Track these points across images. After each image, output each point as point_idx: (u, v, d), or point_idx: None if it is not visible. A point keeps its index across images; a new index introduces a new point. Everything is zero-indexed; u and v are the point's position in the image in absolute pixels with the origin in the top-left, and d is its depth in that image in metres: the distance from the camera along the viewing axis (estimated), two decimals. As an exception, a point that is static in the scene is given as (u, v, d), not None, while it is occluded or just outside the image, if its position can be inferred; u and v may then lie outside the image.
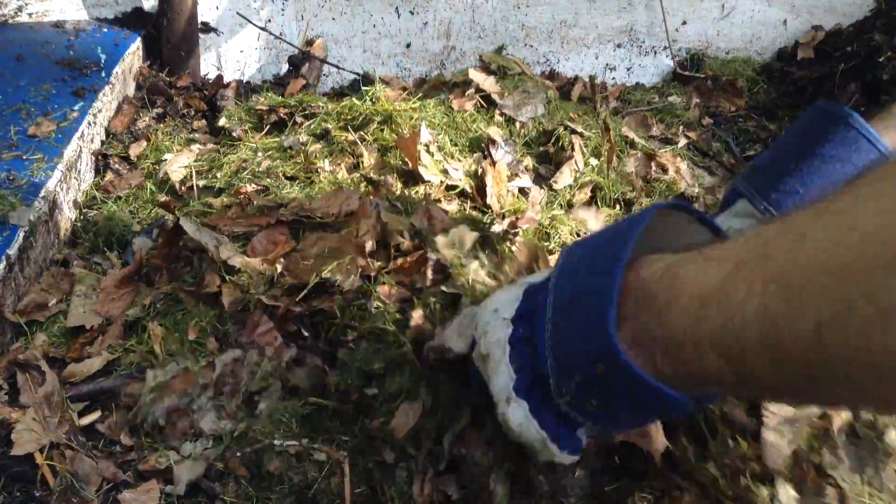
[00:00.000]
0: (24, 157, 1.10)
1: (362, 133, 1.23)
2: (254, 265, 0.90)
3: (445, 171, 1.24)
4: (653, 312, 0.51)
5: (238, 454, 0.76)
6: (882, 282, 0.37)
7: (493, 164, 1.21)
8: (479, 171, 1.18)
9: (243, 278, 0.90)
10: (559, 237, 1.11)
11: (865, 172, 0.43)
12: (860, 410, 0.75)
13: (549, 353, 0.57)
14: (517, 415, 0.59)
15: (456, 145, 1.28)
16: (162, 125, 1.38)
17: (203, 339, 0.88)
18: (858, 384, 0.40)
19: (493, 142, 1.28)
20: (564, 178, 1.29)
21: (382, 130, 1.24)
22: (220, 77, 1.60)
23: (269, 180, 1.14)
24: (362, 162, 1.19)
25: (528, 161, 1.32)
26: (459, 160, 1.25)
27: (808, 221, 0.43)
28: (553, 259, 0.91)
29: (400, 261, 0.90)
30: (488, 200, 1.13)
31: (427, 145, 1.22)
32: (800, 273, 0.42)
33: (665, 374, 0.50)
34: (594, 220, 1.19)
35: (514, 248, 0.94)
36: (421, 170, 1.15)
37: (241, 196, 1.11)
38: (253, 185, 1.13)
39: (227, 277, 0.90)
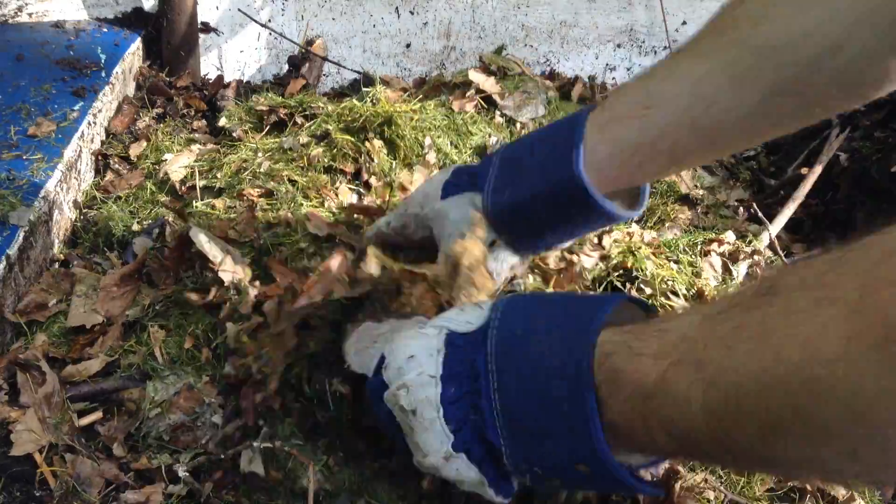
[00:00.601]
0: (24, 157, 1.10)
1: (364, 141, 1.23)
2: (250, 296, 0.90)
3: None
4: (600, 401, 0.52)
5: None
6: (811, 408, 0.39)
7: None
8: None
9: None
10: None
11: (773, 278, 0.45)
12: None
13: (501, 430, 0.56)
14: (454, 466, 0.58)
15: (456, 147, 1.28)
16: (162, 125, 1.38)
17: (199, 346, 0.88)
18: (813, 472, 0.45)
19: (491, 149, 1.28)
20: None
21: (383, 132, 1.24)
22: (220, 77, 1.60)
23: (272, 184, 1.14)
24: (364, 166, 1.19)
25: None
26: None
27: (733, 334, 0.45)
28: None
29: None
30: None
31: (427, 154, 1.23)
32: (733, 385, 0.44)
33: (616, 449, 0.52)
34: None
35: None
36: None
37: (244, 199, 1.11)
38: (257, 189, 1.13)
39: (229, 297, 0.90)
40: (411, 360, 0.59)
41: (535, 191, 0.75)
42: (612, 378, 0.51)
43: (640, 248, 1.04)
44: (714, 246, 1.13)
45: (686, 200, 1.34)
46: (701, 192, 1.37)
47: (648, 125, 0.71)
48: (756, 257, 1.15)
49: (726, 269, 1.12)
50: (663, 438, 0.49)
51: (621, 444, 0.53)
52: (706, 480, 0.81)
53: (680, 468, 0.79)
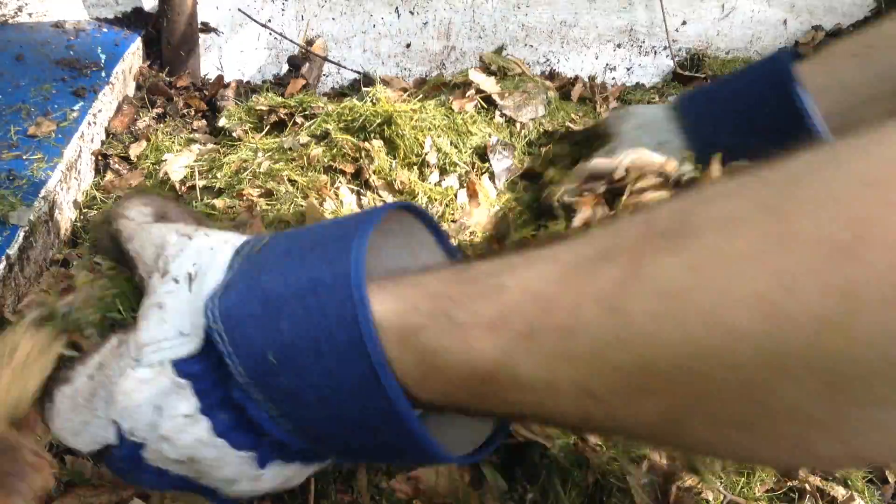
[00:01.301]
0: (24, 157, 1.10)
1: (365, 142, 1.23)
2: None
3: (444, 170, 1.24)
4: (407, 387, 0.38)
5: None
6: (768, 388, 0.29)
7: (482, 175, 1.23)
8: (466, 185, 1.20)
9: None
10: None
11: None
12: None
13: (273, 411, 0.41)
14: (267, 479, 0.45)
15: (456, 147, 1.28)
16: (162, 125, 1.38)
17: None
18: (720, 454, 0.36)
19: (491, 149, 1.28)
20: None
21: (383, 132, 1.24)
22: (220, 77, 1.60)
23: (272, 184, 1.14)
24: (364, 166, 1.19)
25: (529, 163, 1.32)
26: (456, 164, 1.25)
27: (620, 292, 0.32)
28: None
29: None
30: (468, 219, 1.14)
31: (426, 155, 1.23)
32: (630, 363, 0.31)
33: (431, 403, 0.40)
34: None
35: None
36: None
37: (244, 199, 1.11)
38: (257, 189, 1.13)
39: None
40: (157, 411, 0.43)
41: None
42: (426, 361, 0.37)
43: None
44: None
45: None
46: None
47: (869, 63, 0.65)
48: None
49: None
50: (516, 418, 0.39)
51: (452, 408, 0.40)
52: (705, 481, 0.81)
53: (676, 469, 0.79)
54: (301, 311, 0.38)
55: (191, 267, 0.45)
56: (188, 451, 0.43)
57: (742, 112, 0.66)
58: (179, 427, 0.43)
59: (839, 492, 0.84)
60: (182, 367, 0.42)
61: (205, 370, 0.42)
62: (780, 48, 0.70)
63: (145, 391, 0.43)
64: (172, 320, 0.43)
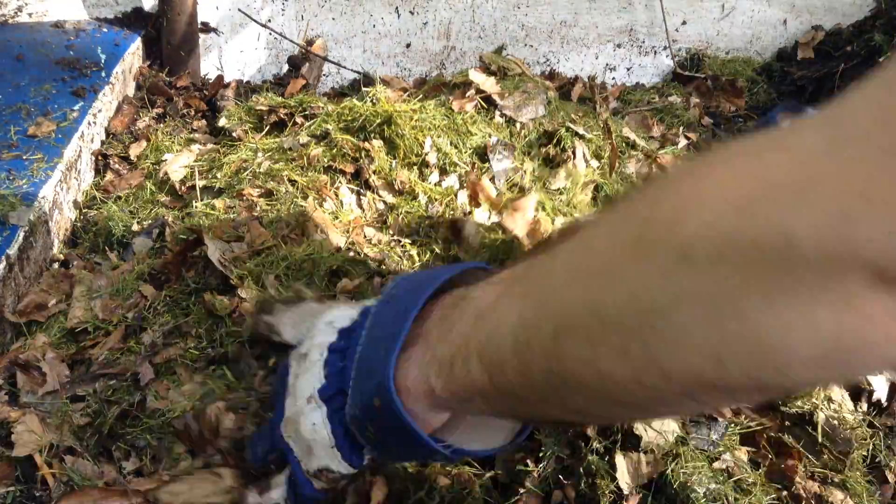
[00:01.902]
0: (24, 157, 1.10)
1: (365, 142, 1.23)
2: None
3: (444, 171, 1.24)
4: (441, 332, 0.54)
5: None
6: (607, 296, 0.42)
7: (483, 174, 1.23)
8: (466, 185, 1.20)
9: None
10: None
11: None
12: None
13: (352, 372, 0.59)
14: (314, 415, 0.61)
15: (456, 147, 1.28)
16: (162, 125, 1.38)
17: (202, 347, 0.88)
18: (589, 394, 0.45)
19: (491, 149, 1.28)
20: (559, 180, 1.30)
21: (383, 132, 1.24)
22: (220, 77, 1.60)
23: (272, 184, 1.14)
24: (364, 166, 1.19)
25: (528, 164, 1.32)
26: (457, 164, 1.25)
27: (566, 261, 0.47)
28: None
29: None
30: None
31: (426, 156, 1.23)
32: (547, 285, 0.47)
33: (439, 396, 0.54)
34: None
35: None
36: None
37: (244, 199, 1.11)
38: (257, 189, 1.13)
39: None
40: (330, 324, 0.66)
41: None
42: (456, 303, 0.55)
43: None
44: None
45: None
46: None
47: None
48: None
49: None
50: (476, 368, 0.50)
51: (441, 385, 0.54)
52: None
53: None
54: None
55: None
56: (310, 347, 0.65)
57: None
58: (321, 331, 0.66)
59: (837, 497, 0.83)
60: (364, 308, 0.65)
61: (363, 317, 0.63)
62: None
63: (338, 311, 0.69)
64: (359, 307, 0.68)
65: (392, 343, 0.55)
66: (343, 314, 0.66)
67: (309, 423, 0.61)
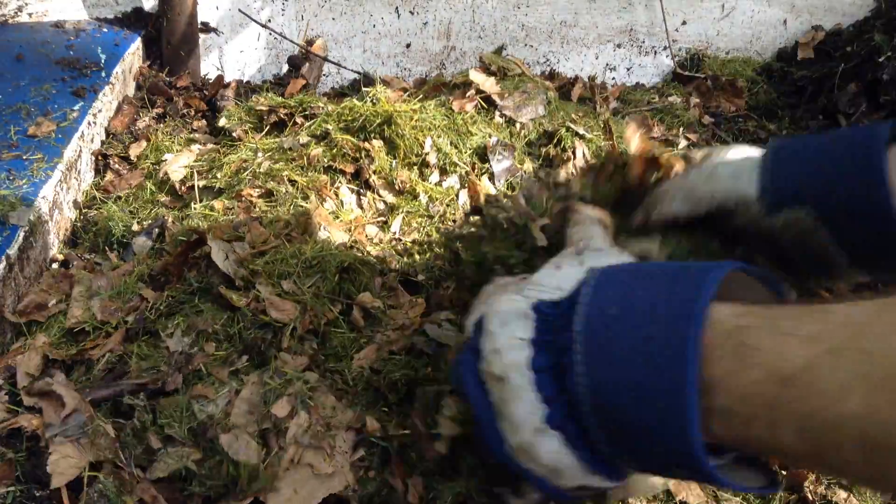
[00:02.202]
0: (24, 157, 1.10)
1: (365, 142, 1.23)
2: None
3: (444, 170, 1.24)
4: (718, 378, 0.46)
5: None
6: None
7: (482, 176, 1.23)
8: (466, 185, 1.20)
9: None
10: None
11: None
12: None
13: (587, 406, 0.50)
14: (549, 445, 0.53)
15: (456, 147, 1.28)
16: (162, 125, 1.38)
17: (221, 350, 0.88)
18: None
19: (491, 150, 1.28)
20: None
21: (383, 132, 1.24)
22: (220, 77, 1.60)
23: (272, 184, 1.14)
24: (364, 166, 1.19)
25: (528, 164, 1.32)
26: (457, 164, 1.25)
27: None
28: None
29: None
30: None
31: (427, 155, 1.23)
32: None
33: (716, 435, 0.47)
34: None
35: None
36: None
37: (243, 199, 1.11)
38: (257, 189, 1.13)
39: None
40: (504, 324, 0.56)
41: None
42: (740, 354, 0.45)
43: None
44: None
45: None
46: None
47: None
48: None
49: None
50: (790, 437, 0.43)
51: (733, 435, 0.46)
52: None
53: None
54: (642, 319, 0.49)
55: (591, 259, 0.59)
56: (504, 369, 0.54)
57: (823, 184, 0.65)
58: (509, 346, 0.55)
59: (840, 497, 0.84)
60: (542, 306, 0.56)
61: (552, 318, 0.54)
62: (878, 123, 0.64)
63: (508, 305, 0.57)
64: (559, 277, 0.58)
65: (680, 400, 0.45)
66: (511, 311, 0.56)
67: (547, 453, 0.53)
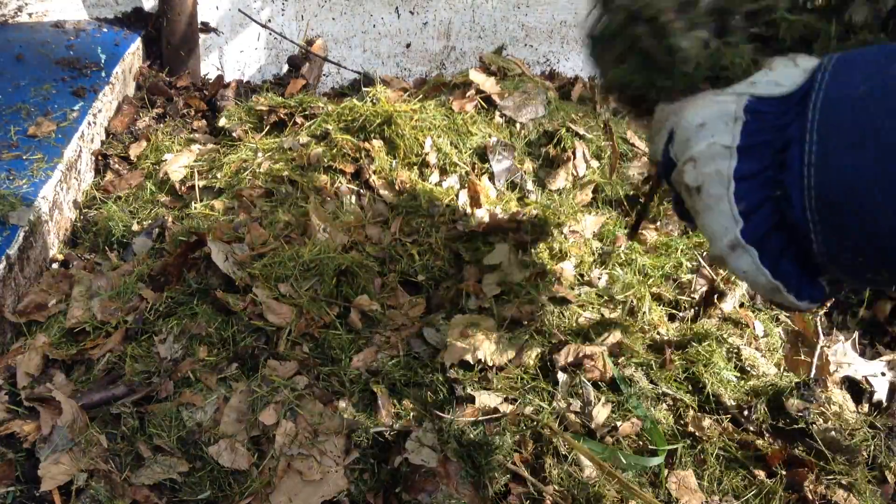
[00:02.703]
0: (24, 157, 1.10)
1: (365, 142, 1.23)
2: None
3: (444, 170, 1.24)
4: None
5: None
6: None
7: (482, 176, 1.23)
8: (466, 185, 1.20)
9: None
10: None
11: None
12: None
13: (812, 213, 0.46)
14: (742, 262, 0.50)
15: (456, 147, 1.28)
16: (162, 125, 1.38)
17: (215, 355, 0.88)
18: None
19: (491, 150, 1.28)
20: (559, 180, 1.30)
21: (383, 132, 1.24)
22: (220, 77, 1.60)
23: (272, 184, 1.14)
24: (364, 166, 1.19)
25: (528, 164, 1.32)
26: (457, 164, 1.25)
27: None
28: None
29: None
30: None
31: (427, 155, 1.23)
32: None
33: None
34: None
35: None
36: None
37: (243, 199, 1.11)
38: (257, 189, 1.13)
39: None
40: (701, 128, 0.51)
41: None
42: None
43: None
44: None
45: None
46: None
47: None
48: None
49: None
50: None
51: None
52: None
53: None
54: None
55: (806, 60, 0.51)
56: (702, 179, 0.50)
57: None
58: (709, 154, 0.50)
59: (840, 496, 0.84)
60: (756, 104, 0.49)
61: (770, 116, 0.48)
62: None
63: (709, 108, 0.51)
64: (779, 72, 0.50)
65: None
66: (712, 114, 0.51)
67: (739, 269, 0.50)
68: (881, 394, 1.00)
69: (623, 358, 0.96)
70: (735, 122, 0.49)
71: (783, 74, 0.50)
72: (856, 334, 1.12)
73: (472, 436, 0.81)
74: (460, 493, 0.76)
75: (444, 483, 0.77)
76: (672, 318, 1.08)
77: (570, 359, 0.93)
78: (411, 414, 0.84)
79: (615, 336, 0.98)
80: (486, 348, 0.92)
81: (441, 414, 0.84)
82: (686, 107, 0.53)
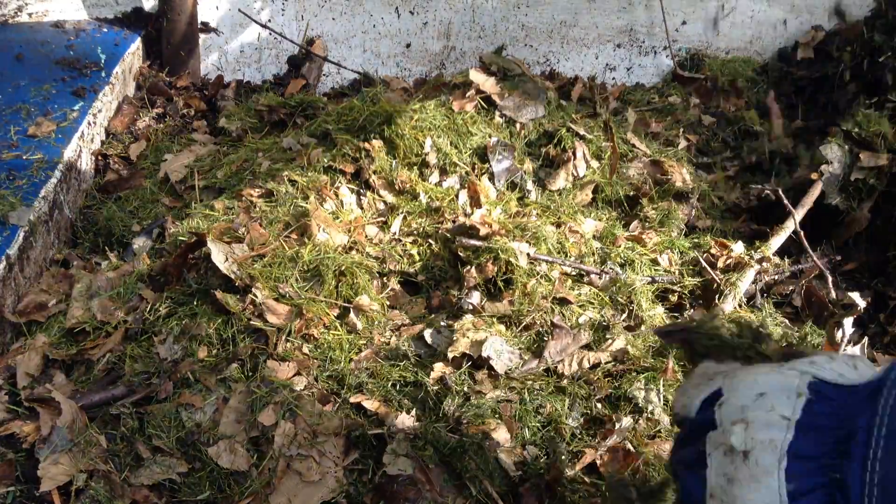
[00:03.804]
0: (24, 157, 1.10)
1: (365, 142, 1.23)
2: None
3: (444, 171, 1.24)
4: None
5: None
6: None
7: (482, 176, 1.23)
8: (466, 185, 1.20)
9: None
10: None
11: None
12: None
13: (871, 502, 0.45)
14: None
15: (456, 147, 1.28)
16: (162, 125, 1.38)
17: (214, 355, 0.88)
18: None
19: (491, 150, 1.28)
20: (559, 180, 1.30)
21: (383, 132, 1.24)
22: (220, 77, 1.60)
23: (272, 184, 1.14)
24: (364, 166, 1.19)
25: (528, 164, 1.32)
26: (457, 164, 1.25)
27: None
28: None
29: None
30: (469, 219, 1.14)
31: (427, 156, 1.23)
32: None
33: None
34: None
35: None
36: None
37: (243, 199, 1.11)
38: (257, 189, 1.13)
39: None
40: (761, 397, 0.49)
41: None
42: None
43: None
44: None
45: (681, 197, 1.33)
46: (705, 188, 1.37)
47: None
48: (765, 264, 1.15)
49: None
50: None
51: None
52: None
53: None
54: None
55: (864, 364, 0.51)
56: (751, 445, 0.47)
57: None
58: (765, 421, 0.48)
59: None
60: (820, 385, 0.48)
61: (836, 403, 0.48)
62: None
63: (771, 378, 0.50)
64: (840, 364, 0.50)
65: None
66: (776, 385, 0.50)
67: None
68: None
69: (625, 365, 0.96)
70: (798, 396, 0.48)
71: (844, 367, 0.50)
72: (865, 340, 1.11)
73: (452, 443, 0.80)
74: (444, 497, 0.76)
75: (426, 490, 0.76)
76: (672, 318, 1.08)
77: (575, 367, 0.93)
78: (398, 417, 0.83)
79: (618, 344, 0.97)
80: (490, 346, 0.92)
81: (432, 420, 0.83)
82: (742, 373, 0.52)
